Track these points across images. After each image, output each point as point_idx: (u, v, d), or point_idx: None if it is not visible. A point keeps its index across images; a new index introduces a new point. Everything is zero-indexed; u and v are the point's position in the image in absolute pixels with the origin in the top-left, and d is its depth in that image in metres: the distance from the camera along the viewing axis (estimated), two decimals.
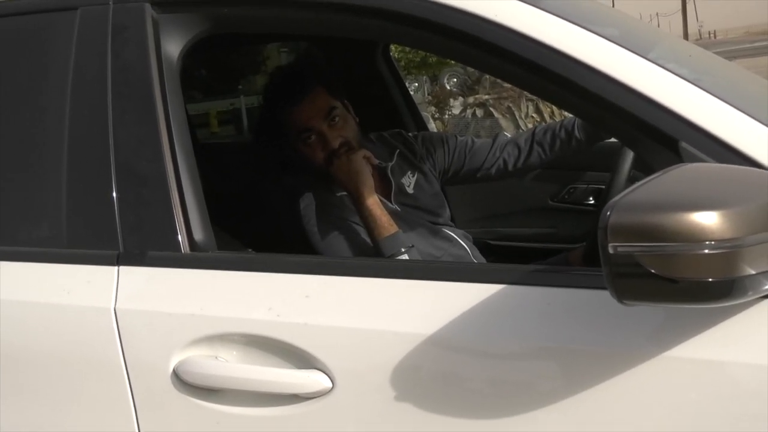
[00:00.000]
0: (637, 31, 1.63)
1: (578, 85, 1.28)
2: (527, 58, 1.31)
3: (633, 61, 1.28)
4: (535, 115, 9.04)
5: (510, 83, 1.63)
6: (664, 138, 1.23)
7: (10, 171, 1.59)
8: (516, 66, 1.34)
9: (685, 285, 1.01)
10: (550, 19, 1.33)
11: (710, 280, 1.00)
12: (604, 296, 1.08)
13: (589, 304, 1.22)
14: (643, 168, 2.11)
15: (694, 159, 1.18)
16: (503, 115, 9.07)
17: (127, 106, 1.49)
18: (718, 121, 1.21)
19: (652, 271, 1.01)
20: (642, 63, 1.28)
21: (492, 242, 2.80)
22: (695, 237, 0.98)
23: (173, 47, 1.53)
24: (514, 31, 1.32)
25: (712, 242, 0.98)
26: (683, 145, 1.20)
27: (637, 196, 1.03)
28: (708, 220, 0.98)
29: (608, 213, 1.01)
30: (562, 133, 2.35)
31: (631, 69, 1.27)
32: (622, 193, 1.05)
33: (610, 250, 1.01)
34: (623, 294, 1.04)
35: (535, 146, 2.39)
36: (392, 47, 3.37)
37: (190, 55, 1.60)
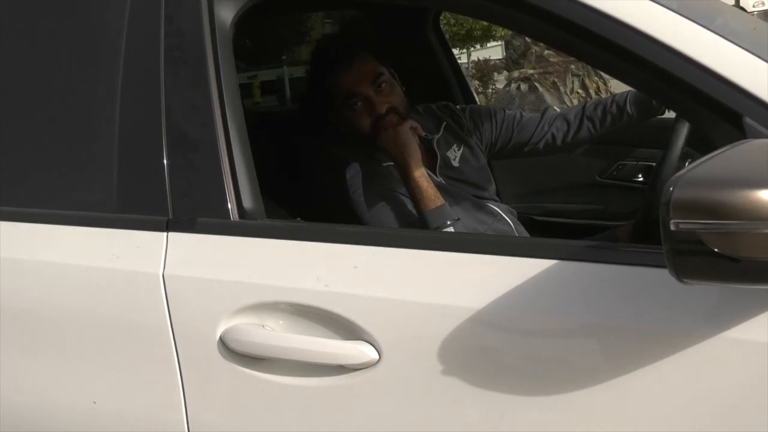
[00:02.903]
0: (698, 2, 1.59)
1: (638, 55, 1.25)
2: (586, 28, 1.28)
3: (696, 32, 1.24)
4: (580, 91, 8.93)
5: (567, 53, 1.59)
6: (727, 112, 1.19)
7: (63, 135, 1.59)
8: (574, 36, 1.31)
9: (748, 265, 0.98)
10: None
11: None
12: (661, 274, 1.06)
13: (644, 282, 1.19)
14: (696, 145, 2.07)
15: (758, 135, 1.14)
16: (548, 90, 8.97)
17: (180, 71, 1.48)
18: None
19: (714, 249, 0.98)
20: (705, 34, 1.24)
21: (537, 218, 2.78)
22: (760, 215, 0.95)
23: (226, 13, 1.52)
24: (575, 1, 1.28)
25: None
26: (747, 120, 1.16)
27: (701, 172, 1.00)
28: None
29: (671, 188, 0.98)
30: (614, 108, 2.31)
31: (694, 40, 1.23)
32: (686, 168, 1.02)
33: (672, 227, 0.99)
34: (683, 272, 1.01)
35: (585, 121, 2.35)
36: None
37: (241, 22, 1.59)
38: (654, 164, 2.39)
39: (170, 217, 1.45)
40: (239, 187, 1.44)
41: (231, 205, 1.42)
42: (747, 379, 1.12)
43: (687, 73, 1.21)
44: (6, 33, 1.68)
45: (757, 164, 1.02)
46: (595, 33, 1.27)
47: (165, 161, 1.46)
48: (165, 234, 1.44)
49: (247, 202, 1.44)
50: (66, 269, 1.50)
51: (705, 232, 0.98)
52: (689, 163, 1.11)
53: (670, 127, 2.10)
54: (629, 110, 2.29)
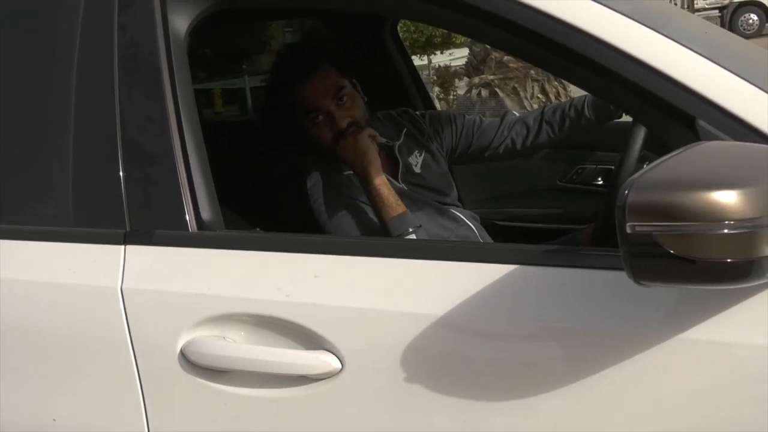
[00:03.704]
0: (650, 7, 1.60)
1: (593, 61, 1.26)
2: (541, 34, 1.29)
3: (649, 37, 1.26)
4: (540, 96, 8.98)
5: (522, 59, 1.60)
6: (680, 115, 1.21)
7: (16, 148, 1.57)
8: (530, 42, 1.32)
9: (704, 266, 0.99)
10: None
11: (729, 260, 0.98)
12: (619, 277, 1.06)
13: (602, 285, 1.20)
14: (654, 148, 2.09)
15: (712, 137, 1.16)
16: (508, 96, 9.01)
17: (135, 81, 1.47)
18: (736, 98, 1.19)
19: (671, 251, 0.99)
20: (658, 38, 1.26)
21: (499, 222, 2.78)
22: (715, 216, 0.96)
23: (181, 22, 1.51)
24: (526, 6, 1.29)
25: (732, 222, 0.96)
26: (700, 122, 1.18)
27: (656, 175, 1.01)
28: (728, 199, 0.96)
29: (626, 191, 0.99)
30: (572, 112, 2.33)
31: (647, 44, 1.25)
32: (641, 172, 1.02)
33: (628, 230, 0.99)
34: (640, 274, 1.02)
35: (544, 125, 2.37)
36: (398, 26, 3.33)
37: (196, 32, 1.57)
38: (613, 167, 2.41)
39: (127, 229, 1.43)
40: (197, 198, 1.42)
41: (189, 217, 1.41)
42: (707, 379, 1.13)
43: (640, 76, 1.22)
44: None
45: (711, 166, 1.03)
46: (549, 38, 1.28)
47: (121, 173, 1.45)
48: (123, 247, 1.42)
49: (206, 213, 1.43)
50: (22, 285, 1.47)
51: (661, 234, 0.98)
52: (646, 166, 1.12)
53: (628, 130, 2.12)
54: (587, 114, 2.31)
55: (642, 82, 1.22)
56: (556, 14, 1.28)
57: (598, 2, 1.29)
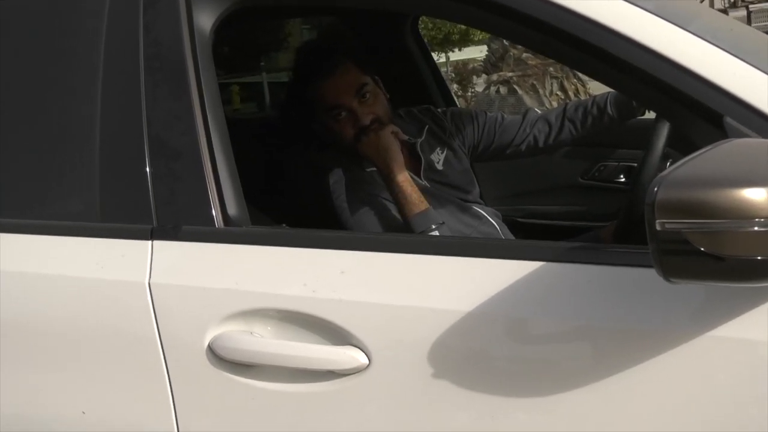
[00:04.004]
0: (675, 3, 1.60)
1: (619, 57, 1.26)
2: (565, 30, 1.29)
3: (675, 33, 1.26)
4: (559, 93, 8.97)
5: (546, 55, 1.60)
6: (708, 113, 1.20)
7: (44, 145, 1.59)
8: (554, 38, 1.32)
9: (733, 263, 0.99)
10: None
11: (759, 258, 0.98)
12: (646, 274, 1.06)
13: (629, 282, 1.20)
14: (677, 145, 2.08)
15: (739, 134, 1.16)
16: (527, 93, 9.00)
17: (160, 79, 1.48)
18: (764, 95, 1.18)
19: (700, 248, 0.99)
20: (684, 35, 1.26)
21: (521, 220, 2.78)
22: (744, 214, 0.96)
23: (205, 20, 1.52)
24: (551, 3, 1.29)
25: (762, 219, 0.96)
26: (728, 120, 1.18)
27: (685, 172, 1.01)
28: (757, 196, 0.96)
29: (656, 189, 0.99)
30: (594, 110, 2.33)
31: (672, 41, 1.24)
32: (670, 169, 1.02)
33: (658, 227, 0.99)
34: (670, 271, 1.02)
35: (567, 122, 2.36)
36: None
37: (220, 29, 1.58)
38: (635, 165, 2.40)
39: (154, 225, 1.44)
40: (223, 194, 1.43)
41: (215, 212, 1.42)
42: (736, 377, 1.13)
43: (667, 74, 1.22)
44: None
45: (740, 163, 1.03)
46: (573, 35, 1.28)
47: (148, 170, 1.46)
48: (150, 242, 1.43)
49: (232, 209, 1.44)
50: (51, 280, 1.49)
51: (690, 231, 0.98)
52: (670, 164, 1.12)
53: (651, 127, 2.12)
54: (610, 111, 2.30)
55: (669, 79, 1.22)
56: (580, 10, 1.28)
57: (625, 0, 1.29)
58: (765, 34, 1.67)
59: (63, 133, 1.58)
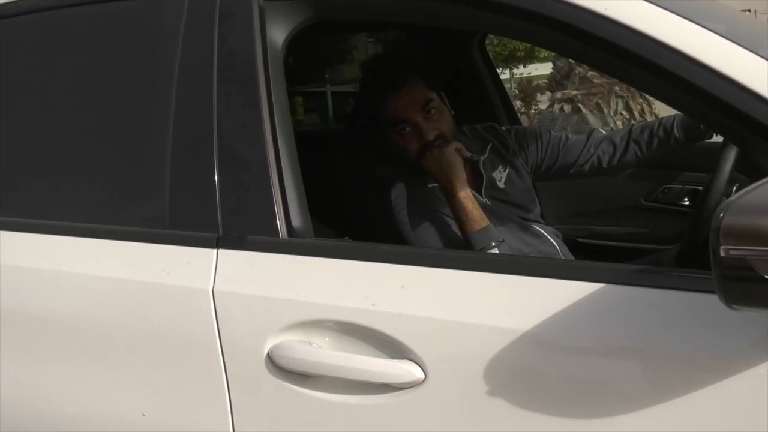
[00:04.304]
0: (744, 26, 1.58)
1: (687, 80, 1.25)
2: (635, 53, 1.28)
3: (744, 57, 1.24)
4: (624, 112, 8.88)
5: (616, 78, 1.60)
6: None
7: (118, 152, 1.63)
8: (623, 60, 1.31)
9: None
10: (659, 12, 1.30)
11: None
12: (708, 300, 1.05)
13: (690, 307, 1.19)
14: (744, 170, 2.05)
15: None
16: (591, 111, 8.92)
17: (232, 91, 1.51)
18: None
19: (765, 276, 0.97)
20: (753, 59, 1.24)
21: (581, 240, 2.76)
22: None
23: (278, 34, 1.55)
24: (622, 25, 1.29)
25: None
26: None
27: (753, 198, 1.00)
28: None
29: (721, 214, 0.98)
30: (661, 132, 2.30)
31: (742, 65, 1.23)
32: (737, 195, 1.01)
33: (722, 253, 0.98)
34: (733, 298, 1.01)
35: (632, 144, 2.34)
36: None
37: (292, 42, 1.61)
38: (700, 188, 2.37)
39: (220, 233, 1.47)
40: (288, 206, 1.46)
41: (280, 223, 1.44)
42: None
43: (736, 98, 1.21)
44: (65, 55, 1.73)
45: None
46: (641, 56, 1.27)
47: (216, 179, 1.49)
48: (215, 250, 1.46)
49: (296, 221, 1.46)
50: (118, 284, 1.53)
51: (755, 258, 0.97)
52: (736, 188, 1.11)
53: (718, 151, 2.09)
54: (676, 134, 2.28)
55: (738, 103, 1.21)
56: (651, 33, 1.27)
57: (694, 22, 1.28)
58: None
59: (136, 140, 1.63)
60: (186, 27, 1.57)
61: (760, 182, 1.04)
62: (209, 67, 1.53)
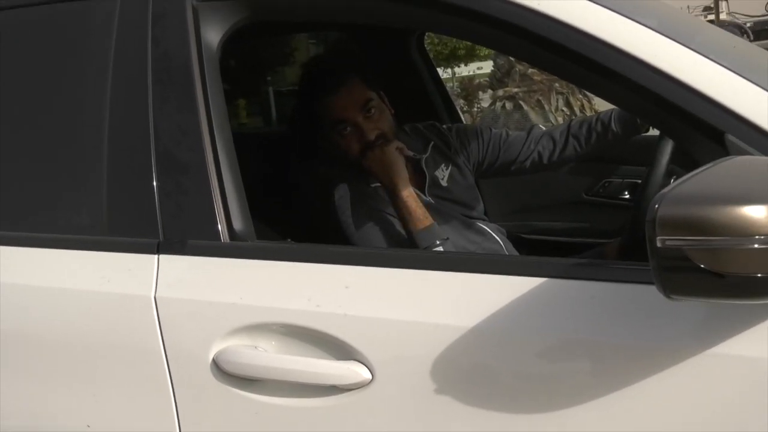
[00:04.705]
0: (678, 21, 1.61)
1: (622, 75, 1.27)
2: (569, 48, 1.30)
3: (677, 51, 1.27)
4: (565, 109, 8.99)
5: (551, 73, 1.62)
6: (709, 129, 1.21)
7: (52, 159, 1.60)
8: (557, 56, 1.33)
9: (733, 280, 1.00)
10: (592, 7, 1.32)
11: (759, 275, 0.99)
12: (648, 291, 1.07)
13: (632, 299, 1.20)
14: (681, 162, 2.09)
15: (741, 152, 1.17)
16: (533, 108, 9.02)
17: (168, 94, 1.49)
18: (765, 112, 1.19)
19: (701, 265, 0.99)
20: (686, 53, 1.26)
21: (525, 236, 2.78)
22: (745, 231, 0.97)
23: (213, 35, 1.53)
24: (556, 20, 1.30)
25: (762, 237, 0.97)
26: (730, 137, 1.18)
27: (686, 189, 1.02)
28: (758, 214, 0.97)
29: (656, 206, 1.00)
30: (599, 126, 2.33)
31: (675, 59, 1.25)
32: (671, 186, 1.03)
33: (658, 244, 1.00)
34: (670, 288, 1.02)
35: (571, 139, 2.37)
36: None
37: (228, 44, 1.60)
38: (640, 181, 2.41)
39: (161, 239, 1.45)
40: (229, 209, 1.44)
41: (221, 227, 1.43)
42: (736, 394, 1.14)
43: (669, 91, 1.23)
44: None
45: (741, 181, 1.04)
46: (578, 52, 1.29)
47: (155, 184, 1.47)
48: (156, 256, 1.45)
49: (238, 224, 1.45)
50: (57, 293, 1.50)
51: (691, 248, 0.99)
52: (674, 180, 1.13)
53: (655, 144, 2.13)
54: (614, 128, 2.31)
55: (671, 96, 1.23)
56: (585, 29, 1.29)
57: (627, 17, 1.30)
58: (766, 51, 1.68)
59: (71, 146, 1.59)
60: (119, 29, 1.55)
61: (693, 173, 1.06)
62: (144, 70, 1.51)
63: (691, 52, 1.26)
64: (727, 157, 1.11)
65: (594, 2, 1.32)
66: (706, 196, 1.00)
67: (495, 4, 1.34)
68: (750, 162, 1.10)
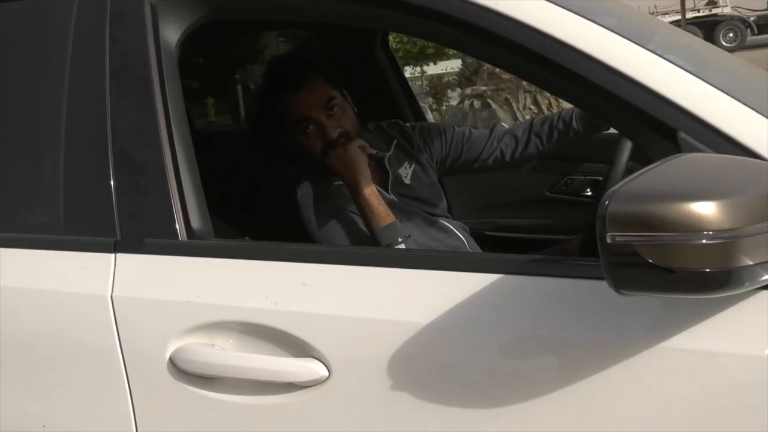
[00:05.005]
0: (636, 21, 1.63)
1: (577, 74, 1.28)
2: (527, 47, 1.31)
3: (632, 51, 1.28)
4: (532, 107, 9.03)
5: (509, 72, 1.63)
6: (662, 128, 1.23)
7: (8, 157, 1.58)
8: (515, 55, 1.34)
9: (683, 275, 1.01)
10: (550, 7, 1.33)
11: (707, 270, 1.00)
12: (602, 286, 1.08)
13: (587, 294, 1.22)
14: (641, 159, 2.11)
15: (693, 149, 1.18)
16: (501, 107, 9.05)
17: (125, 92, 1.48)
18: (717, 111, 1.21)
19: (650, 260, 1.01)
20: (641, 53, 1.28)
21: (489, 233, 2.80)
22: (693, 227, 0.98)
23: (172, 33, 1.53)
24: (514, 20, 1.31)
25: (710, 232, 0.98)
26: (682, 135, 1.20)
27: (636, 186, 1.03)
28: (706, 210, 0.98)
29: (606, 202, 1.01)
30: (560, 124, 2.35)
31: (630, 59, 1.27)
32: (620, 183, 1.04)
33: (608, 240, 1.01)
34: (621, 284, 1.04)
35: (533, 137, 2.39)
36: (390, 37, 3.36)
37: (188, 42, 1.59)
38: (601, 179, 2.43)
39: (118, 238, 1.44)
40: (187, 207, 1.44)
41: (179, 226, 1.42)
42: (691, 387, 1.15)
43: (623, 90, 1.24)
44: None
45: (690, 177, 1.05)
46: (533, 51, 1.30)
47: (112, 182, 1.46)
48: (113, 255, 1.44)
49: (195, 222, 1.44)
50: (13, 292, 1.48)
51: (640, 244, 1.00)
52: None
53: (616, 142, 2.15)
54: (575, 126, 2.32)
55: (624, 94, 1.25)
56: (542, 28, 1.30)
57: (584, 17, 1.32)
58: (721, 50, 1.70)
59: (27, 144, 1.58)
60: (76, 27, 1.53)
61: (643, 170, 1.07)
62: (101, 68, 1.50)
63: (646, 51, 1.28)
64: (677, 155, 1.12)
65: (552, 2, 1.33)
66: (655, 193, 1.02)
67: (454, 3, 1.35)
68: (699, 159, 1.12)
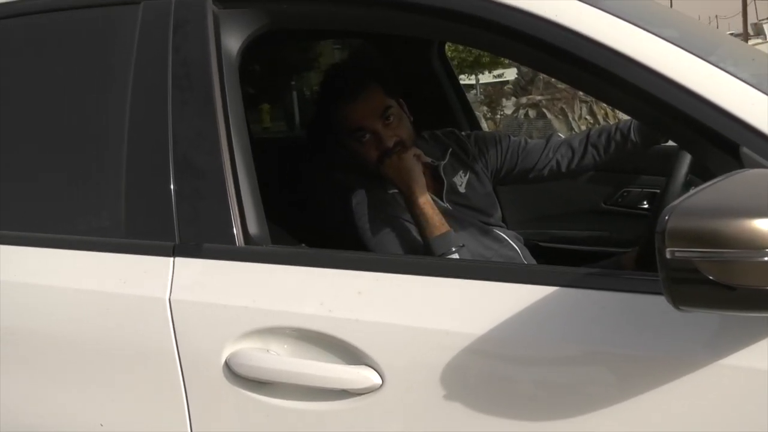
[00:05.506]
0: (697, 33, 1.61)
1: (637, 86, 1.27)
2: (586, 59, 1.30)
3: (694, 64, 1.27)
4: (588, 117, 8.95)
5: (568, 84, 1.62)
6: (724, 142, 1.21)
7: (73, 161, 1.62)
8: (575, 67, 1.33)
9: (743, 293, 1.00)
10: (610, 20, 1.32)
11: None
12: (659, 301, 1.07)
13: (644, 310, 1.20)
14: (700, 172, 2.08)
15: (755, 164, 1.16)
16: (556, 117, 8.99)
17: (187, 99, 1.51)
18: None
19: (710, 277, 0.99)
20: (703, 65, 1.26)
21: (542, 244, 2.78)
22: (755, 244, 0.97)
23: (233, 42, 1.55)
24: (574, 32, 1.31)
25: None
26: (744, 150, 1.18)
27: (697, 201, 1.02)
28: None
29: (666, 217, 1.00)
30: (618, 136, 2.33)
31: (692, 71, 1.25)
32: (682, 198, 1.03)
33: (668, 255, 1.00)
34: (679, 300, 1.02)
35: (590, 148, 2.37)
36: (447, 45, 3.36)
37: (247, 50, 1.62)
38: (658, 191, 2.40)
39: (177, 242, 1.47)
40: (244, 213, 1.46)
41: (236, 231, 1.44)
42: (749, 406, 1.13)
43: (685, 103, 1.23)
44: (19, 65, 1.72)
45: (753, 194, 1.03)
46: (594, 63, 1.29)
47: (172, 187, 1.49)
48: (172, 259, 1.46)
49: (253, 228, 1.46)
50: (74, 294, 1.52)
51: (700, 260, 0.99)
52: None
53: (674, 154, 2.12)
54: (633, 138, 2.30)
55: (686, 108, 1.23)
56: (602, 40, 1.29)
57: (645, 29, 1.30)
58: None
59: (91, 149, 1.62)
60: (140, 36, 1.57)
61: (705, 185, 1.06)
62: (164, 76, 1.53)
63: (708, 64, 1.26)
64: (740, 170, 1.11)
65: (612, 14, 1.32)
66: (716, 209, 1.01)
67: (512, 15, 1.34)
68: (762, 175, 1.10)
